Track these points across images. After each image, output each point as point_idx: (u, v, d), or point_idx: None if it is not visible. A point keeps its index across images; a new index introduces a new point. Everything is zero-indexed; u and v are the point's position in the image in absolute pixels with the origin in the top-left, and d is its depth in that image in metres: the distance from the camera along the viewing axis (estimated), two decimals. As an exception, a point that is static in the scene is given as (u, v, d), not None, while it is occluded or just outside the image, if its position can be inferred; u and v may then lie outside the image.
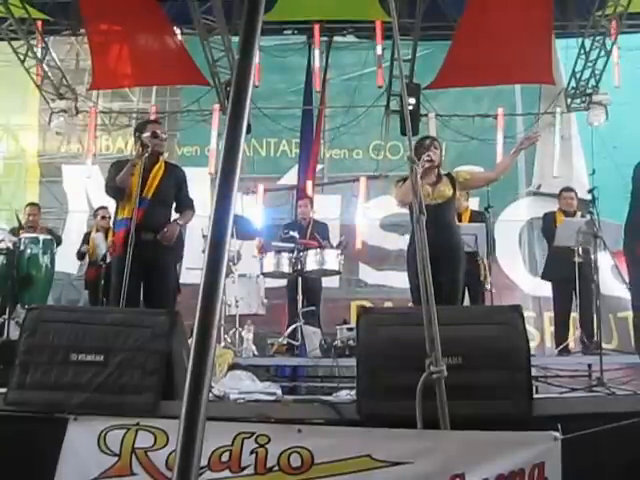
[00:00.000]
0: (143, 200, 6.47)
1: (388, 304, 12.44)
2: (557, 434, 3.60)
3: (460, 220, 9.22)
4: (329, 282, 10.88)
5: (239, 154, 1.56)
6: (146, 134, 6.70)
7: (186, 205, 7.02)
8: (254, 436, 3.68)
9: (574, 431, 3.62)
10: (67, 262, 11.56)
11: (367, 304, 12.80)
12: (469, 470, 3.55)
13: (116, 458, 3.71)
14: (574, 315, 9.60)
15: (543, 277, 10.16)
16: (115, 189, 6.72)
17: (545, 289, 10.34)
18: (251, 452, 3.64)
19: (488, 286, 9.26)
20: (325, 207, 12.95)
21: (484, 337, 3.94)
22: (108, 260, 8.26)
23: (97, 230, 10.44)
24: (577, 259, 9.02)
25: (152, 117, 12.86)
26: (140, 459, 3.69)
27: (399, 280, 9.98)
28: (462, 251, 7.07)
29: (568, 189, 10.12)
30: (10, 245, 9.16)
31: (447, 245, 6.62)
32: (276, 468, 3.62)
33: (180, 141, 14.29)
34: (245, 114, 1.60)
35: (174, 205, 6.99)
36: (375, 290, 12.99)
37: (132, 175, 6.47)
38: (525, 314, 11.57)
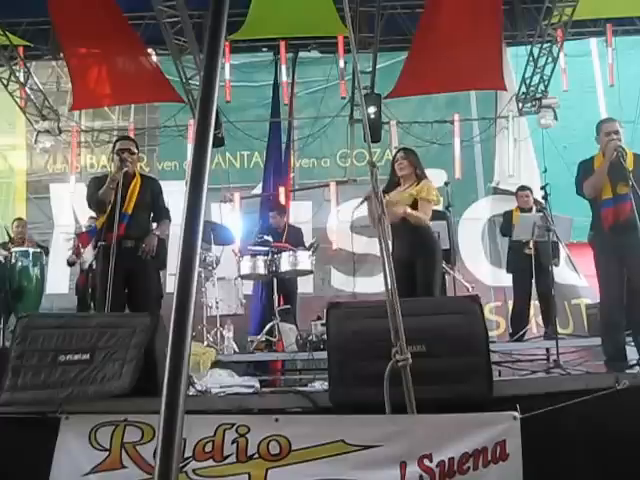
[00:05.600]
0: (124, 215, 6.48)
1: None
2: (516, 414, 3.65)
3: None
4: (304, 288, 10.92)
5: (207, 157, 1.58)
6: (117, 149, 6.74)
7: (162, 215, 7.02)
8: (234, 427, 3.71)
9: (533, 410, 3.67)
10: (58, 283, 11.49)
11: None
12: (436, 450, 3.60)
13: (107, 453, 3.73)
14: (535, 303, 9.70)
15: (507, 270, 10.25)
16: (98, 203, 6.71)
17: (506, 280, 10.43)
18: (232, 442, 3.67)
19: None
20: (297, 213, 13.06)
21: (445, 326, 3.98)
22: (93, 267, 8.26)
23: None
24: (527, 251, 9.12)
25: (131, 134, 12.86)
26: (129, 452, 3.71)
27: (369, 286, 10.12)
28: (436, 260, 6.67)
29: (523, 188, 10.21)
30: (1, 259, 9.13)
31: (418, 255, 6.53)
32: (256, 456, 3.65)
33: (159, 156, 14.25)
34: (211, 122, 1.62)
35: (152, 214, 7.02)
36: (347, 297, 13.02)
37: (113, 189, 6.45)
38: (491, 304, 11.64)
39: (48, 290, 10.38)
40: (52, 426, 3.86)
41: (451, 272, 9.36)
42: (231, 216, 12.42)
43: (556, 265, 9.16)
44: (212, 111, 1.62)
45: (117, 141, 7.19)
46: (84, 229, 10.38)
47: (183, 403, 1.43)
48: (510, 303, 10.53)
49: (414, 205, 6.60)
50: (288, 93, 13.52)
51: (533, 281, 9.32)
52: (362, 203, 6.11)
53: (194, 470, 3.63)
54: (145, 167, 13.73)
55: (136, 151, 6.96)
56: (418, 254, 6.37)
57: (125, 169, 6.46)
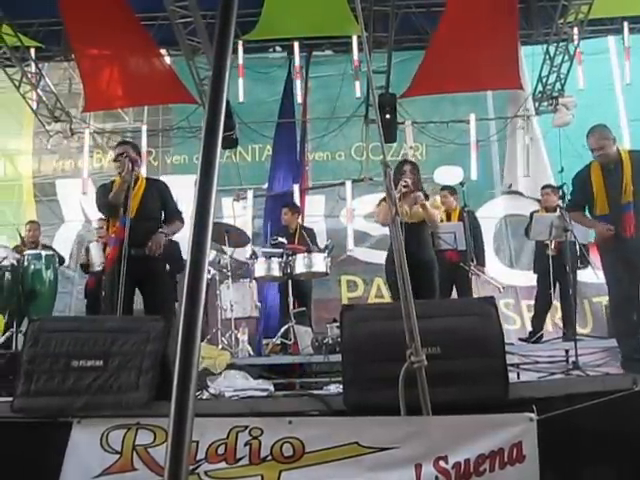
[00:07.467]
0: (126, 219, 6.38)
1: (378, 279, 12.65)
2: (532, 415, 3.64)
3: (449, 219, 9.38)
4: (319, 290, 10.93)
5: (216, 162, 1.59)
6: (115, 155, 6.75)
7: (173, 217, 6.95)
8: (248, 429, 3.72)
9: (550, 411, 3.66)
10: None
11: (357, 279, 12.96)
12: (452, 452, 3.59)
13: (118, 455, 3.74)
14: (556, 303, 9.66)
15: (534, 271, 10.20)
16: (108, 207, 6.69)
17: (520, 279, 10.44)
18: (245, 444, 3.68)
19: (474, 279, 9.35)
20: (310, 207, 13.21)
21: (460, 328, 3.97)
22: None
23: (96, 240, 10.55)
24: (549, 252, 9.07)
25: (143, 135, 12.95)
26: (141, 455, 3.72)
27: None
28: (435, 267, 7.32)
29: (545, 186, 10.20)
30: (14, 262, 9.17)
31: (421, 262, 6.84)
32: (269, 458, 3.65)
33: (172, 153, 14.31)
34: (220, 123, 1.62)
35: (162, 217, 6.95)
36: (364, 266, 13.05)
37: (123, 191, 6.42)
38: (505, 300, 11.64)
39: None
40: (64, 429, 3.87)
41: (479, 273, 9.37)
42: (243, 215, 12.44)
43: (584, 268, 9.13)
44: (222, 106, 1.62)
45: (116, 146, 7.19)
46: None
47: (193, 405, 1.44)
48: (523, 303, 10.52)
49: (424, 221, 7.23)
50: (302, 92, 13.51)
51: (555, 282, 9.30)
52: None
53: (206, 472, 3.64)
54: (153, 161, 13.81)
55: (134, 154, 6.89)
56: (419, 263, 6.54)
57: (135, 170, 6.45)
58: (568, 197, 6.84)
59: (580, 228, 7.88)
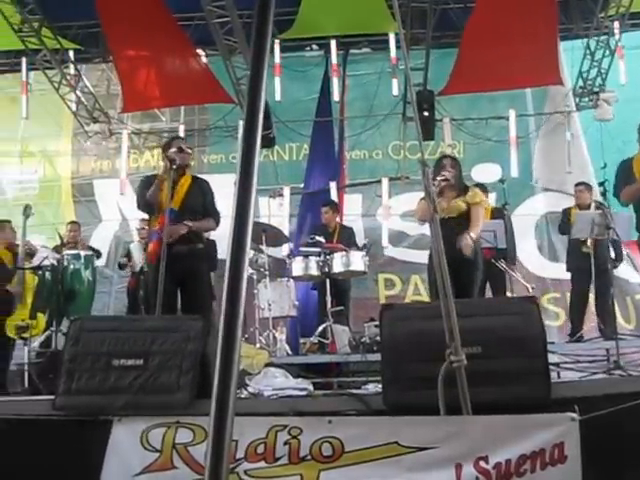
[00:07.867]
0: (171, 212, 6.37)
1: (415, 277, 12.70)
2: (575, 415, 3.61)
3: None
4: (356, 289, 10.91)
5: (255, 162, 1.59)
6: (172, 150, 6.66)
7: (208, 214, 6.90)
8: (287, 428, 3.72)
9: (592, 412, 3.63)
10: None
11: (394, 277, 12.97)
12: (492, 452, 3.57)
13: (158, 454, 3.77)
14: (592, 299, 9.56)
15: (567, 269, 10.11)
16: (146, 204, 6.74)
17: (564, 272, 10.33)
18: (284, 443, 3.69)
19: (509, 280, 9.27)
20: (347, 205, 13.23)
21: (501, 327, 3.95)
22: (145, 270, 8.34)
23: (138, 241, 10.66)
24: (585, 250, 8.98)
25: (181, 135, 13.01)
26: (180, 453, 3.74)
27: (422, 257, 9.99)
28: (477, 266, 7.08)
29: (578, 183, 10.13)
30: (54, 262, 9.27)
31: (462, 260, 6.64)
32: (309, 457, 3.66)
33: (209, 153, 14.39)
34: (259, 123, 1.63)
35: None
36: (401, 265, 13.04)
37: (161, 190, 6.45)
38: (549, 295, 11.52)
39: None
40: (105, 428, 3.91)
41: (510, 271, 9.28)
42: (280, 215, 12.43)
43: (615, 267, 9.03)
44: (260, 105, 1.63)
45: (170, 141, 7.12)
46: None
47: (233, 404, 1.45)
48: (569, 295, 10.41)
49: (463, 215, 6.96)
50: (339, 90, 13.51)
51: (592, 280, 9.20)
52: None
53: (246, 471, 3.65)
54: (190, 161, 13.90)
55: (189, 150, 6.97)
56: (460, 260, 6.45)
57: (174, 167, 6.44)
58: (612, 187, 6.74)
59: (622, 226, 7.80)
